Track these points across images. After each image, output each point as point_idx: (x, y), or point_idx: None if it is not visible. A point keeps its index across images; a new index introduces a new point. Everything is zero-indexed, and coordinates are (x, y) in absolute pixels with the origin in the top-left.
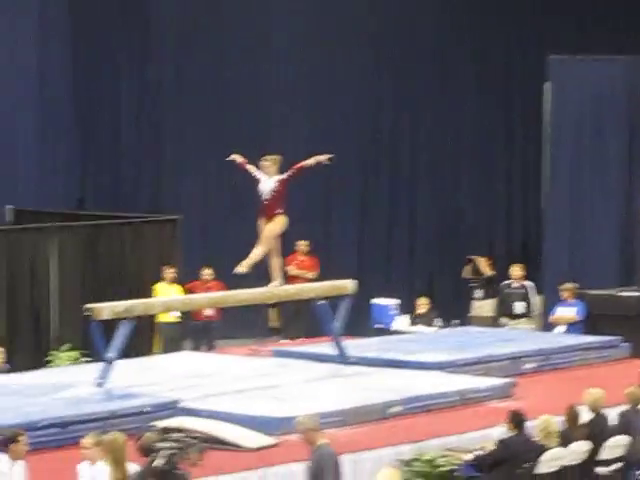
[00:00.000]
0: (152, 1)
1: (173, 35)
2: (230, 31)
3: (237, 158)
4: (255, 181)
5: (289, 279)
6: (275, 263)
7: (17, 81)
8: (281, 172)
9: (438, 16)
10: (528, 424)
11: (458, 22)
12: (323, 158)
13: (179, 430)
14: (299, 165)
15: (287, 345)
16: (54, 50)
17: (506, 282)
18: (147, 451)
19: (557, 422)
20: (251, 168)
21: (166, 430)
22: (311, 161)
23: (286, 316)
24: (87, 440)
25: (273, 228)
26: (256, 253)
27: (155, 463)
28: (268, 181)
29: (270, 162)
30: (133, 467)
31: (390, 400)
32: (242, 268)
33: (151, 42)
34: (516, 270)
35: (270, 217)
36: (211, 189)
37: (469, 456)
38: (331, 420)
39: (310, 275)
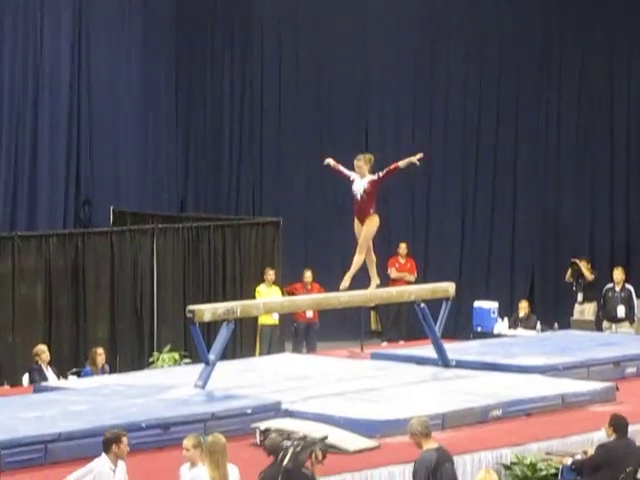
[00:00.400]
0: (254, 1)
1: (275, 36)
2: (330, 32)
3: (330, 162)
4: (349, 182)
5: (390, 282)
6: (371, 264)
7: (121, 85)
8: (374, 172)
9: (542, 13)
10: (630, 429)
11: (561, 21)
12: (415, 159)
13: (282, 432)
14: (392, 166)
15: (387, 348)
16: (157, 53)
17: (609, 286)
18: (274, 451)
19: None
20: (344, 170)
21: (270, 431)
22: (404, 162)
23: (386, 319)
24: (188, 441)
25: (367, 230)
26: (357, 262)
27: (284, 462)
28: (361, 181)
29: (362, 161)
30: (233, 469)
31: (490, 404)
32: (346, 282)
33: (253, 43)
34: (618, 273)
35: (363, 218)
36: (312, 191)
37: (570, 460)
38: (431, 423)
39: (410, 277)
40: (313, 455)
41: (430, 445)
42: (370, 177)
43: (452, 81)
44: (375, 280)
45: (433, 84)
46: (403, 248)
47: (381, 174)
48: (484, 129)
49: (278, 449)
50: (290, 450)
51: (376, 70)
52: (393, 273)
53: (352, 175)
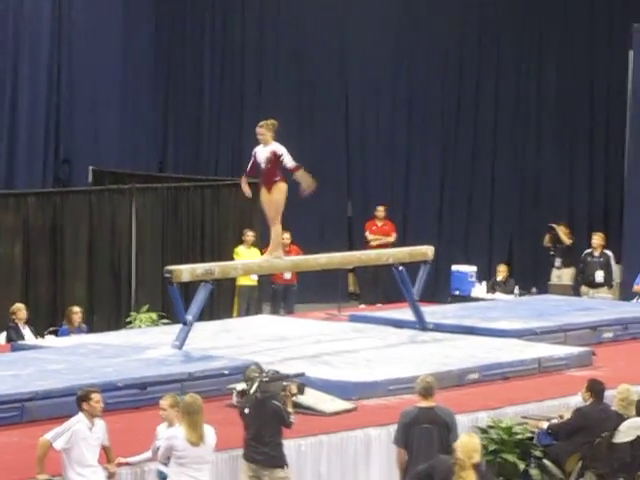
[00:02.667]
0: None
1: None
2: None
3: (245, 188)
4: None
5: (368, 244)
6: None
7: (101, 44)
8: (276, 139)
9: None
10: (606, 393)
11: None
12: (306, 191)
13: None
14: (288, 168)
15: (365, 310)
16: (139, 14)
17: (587, 251)
18: (246, 382)
19: (637, 391)
20: (250, 169)
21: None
22: (300, 177)
23: (364, 281)
24: (164, 401)
25: (277, 200)
26: (276, 233)
27: (251, 391)
28: (263, 150)
29: (264, 128)
30: (209, 430)
31: (467, 367)
32: (279, 254)
33: (234, 4)
34: (597, 239)
35: (270, 186)
36: (291, 152)
37: (546, 424)
38: (408, 386)
39: (388, 240)
40: (287, 389)
41: (423, 403)
42: (273, 147)
43: (432, 47)
44: (276, 251)
45: (413, 50)
46: (380, 211)
47: (290, 165)
48: (464, 94)
49: (249, 380)
50: (257, 381)
51: (357, 36)
52: (370, 236)
53: (254, 150)
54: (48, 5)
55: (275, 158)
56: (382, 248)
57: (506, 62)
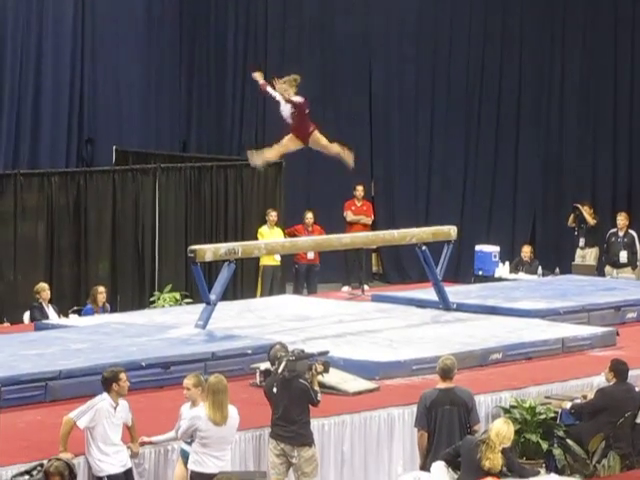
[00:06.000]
0: None
1: None
2: None
3: (259, 78)
4: (276, 104)
5: (347, 225)
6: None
7: (124, 24)
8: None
9: None
10: (630, 374)
11: None
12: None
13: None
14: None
15: (388, 290)
16: None
17: (612, 231)
18: (272, 361)
19: None
20: (271, 91)
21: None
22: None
23: (388, 261)
24: (188, 381)
25: (320, 139)
26: (286, 146)
27: (279, 371)
28: (285, 105)
29: (286, 84)
30: (232, 410)
31: (491, 347)
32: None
33: None
34: (622, 219)
35: (305, 138)
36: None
37: (569, 404)
38: (430, 366)
39: (367, 220)
40: (313, 367)
41: (442, 385)
42: (293, 99)
43: (456, 28)
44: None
45: (436, 30)
46: (360, 191)
47: (300, 106)
48: (488, 73)
49: (275, 359)
50: (284, 360)
51: (380, 15)
52: (349, 216)
53: (277, 96)
54: None
55: (298, 108)
56: (362, 229)
57: (530, 43)
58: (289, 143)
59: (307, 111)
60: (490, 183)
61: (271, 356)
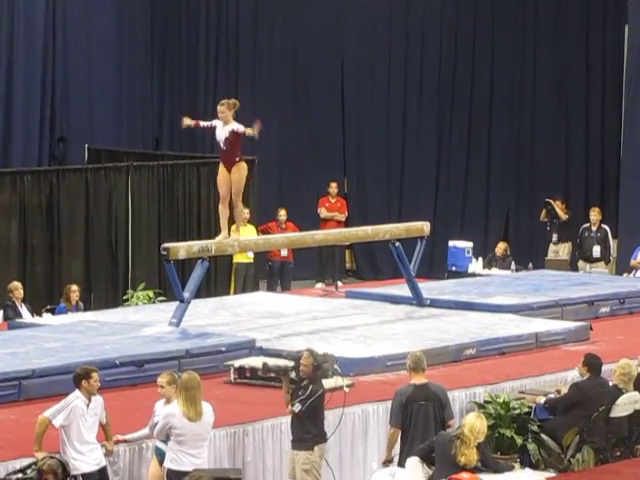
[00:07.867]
0: None
1: None
2: None
3: (187, 122)
4: (212, 130)
5: (321, 221)
6: (225, 216)
7: (96, 22)
8: (237, 119)
9: None
10: (603, 368)
11: None
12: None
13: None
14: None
15: (361, 286)
16: None
17: (585, 226)
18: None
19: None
20: (204, 123)
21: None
22: (250, 130)
23: (360, 257)
24: (162, 378)
25: (238, 180)
26: (239, 214)
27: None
28: (223, 129)
29: (225, 106)
30: (207, 407)
31: (464, 342)
32: (235, 234)
33: None
34: (595, 214)
35: (229, 166)
36: (287, 131)
37: (543, 399)
38: (405, 362)
39: (341, 217)
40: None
41: (416, 380)
42: (233, 126)
43: (427, 18)
44: (224, 233)
45: (408, 22)
46: (333, 187)
47: (241, 132)
48: (460, 67)
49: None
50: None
51: (352, 9)
52: (323, 213)
53: (214, 122)
54: None
55: (235, 138)
56: (336, 226)
57: (502, 33)
58: (220, 174)
59: (240, 142)
60: (463, 179)
61: (319, 362)
